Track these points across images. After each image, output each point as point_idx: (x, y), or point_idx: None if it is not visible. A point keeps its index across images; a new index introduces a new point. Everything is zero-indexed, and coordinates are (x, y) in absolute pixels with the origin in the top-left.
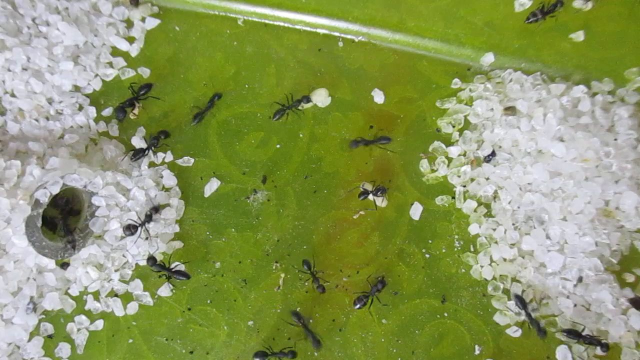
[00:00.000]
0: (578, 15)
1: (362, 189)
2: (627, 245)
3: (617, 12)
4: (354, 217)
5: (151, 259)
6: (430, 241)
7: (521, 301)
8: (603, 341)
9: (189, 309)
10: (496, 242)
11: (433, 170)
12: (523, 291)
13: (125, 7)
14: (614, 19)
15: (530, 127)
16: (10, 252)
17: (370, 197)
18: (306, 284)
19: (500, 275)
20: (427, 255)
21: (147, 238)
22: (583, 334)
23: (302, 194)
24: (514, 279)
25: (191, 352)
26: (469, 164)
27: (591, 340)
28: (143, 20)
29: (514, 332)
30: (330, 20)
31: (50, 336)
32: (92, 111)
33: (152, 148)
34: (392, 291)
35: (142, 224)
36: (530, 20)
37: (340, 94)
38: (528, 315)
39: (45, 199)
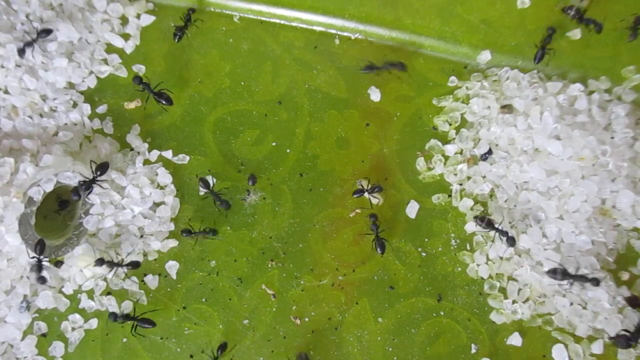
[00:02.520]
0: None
1: (358, 186)
2: (623, 243)
3: (614, 10)
4: (350, 215)
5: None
6: (426, 239)
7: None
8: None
9: (184, 308)
10: (492, 241)
11: (429, 169)
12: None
13: (120, 3)
14: (610, 17)
15: (526, 125)
16: (4, 250)
17: (366, 195)
18: (302, 282)
19: (497, 274)
20: (423, 254)
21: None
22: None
23: (297, 192)
24: (510, 278)
25: (186, 351)
26: (466, 162)
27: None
28: (138, 17)
29: (515, 340)
30: (327, 17)
31: (44, 335)
32: (87, 108)
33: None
34: (388, 286)
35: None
36: (566, 11)
37: (336, 92)
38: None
39: (38, 197)
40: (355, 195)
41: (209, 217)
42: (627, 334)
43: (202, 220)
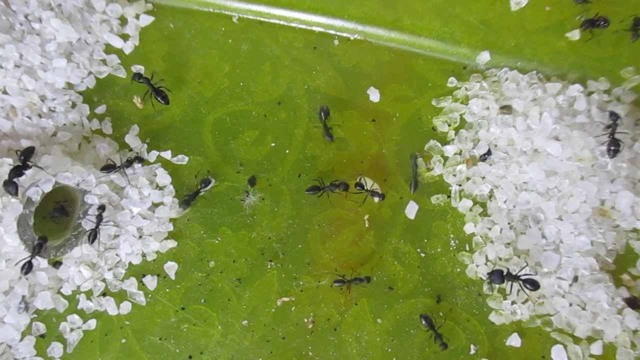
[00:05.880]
0: (574, 14)
1: (357, 181)
2: (622, 244)
3: (613, 11)
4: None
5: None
6: (425, 240)
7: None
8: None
9: (183, 309)
10: (492, 242)
11: (429, 169)
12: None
13: (119, 4)
14: (610, 17)
15: (526, 126)
16: (2, 251)
17: (365, 192)
18: (301, 283)
19: None
20: (423, 255)
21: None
22: None
23: (296, 192)
24: None
25: (185, 352)
26: (465, 163)
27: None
28: (137, 17)
29: (514, 341)
30: (326, 18)
31: (42, 336)
32: (86, 109)
33: None
34: (387, 287)
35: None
36: (586, 27)
37: (335, 93)
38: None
39: (37, 197)
40: (356, 187)
41: (209, 218)
42: (503, 270)
43: (202, 221)
